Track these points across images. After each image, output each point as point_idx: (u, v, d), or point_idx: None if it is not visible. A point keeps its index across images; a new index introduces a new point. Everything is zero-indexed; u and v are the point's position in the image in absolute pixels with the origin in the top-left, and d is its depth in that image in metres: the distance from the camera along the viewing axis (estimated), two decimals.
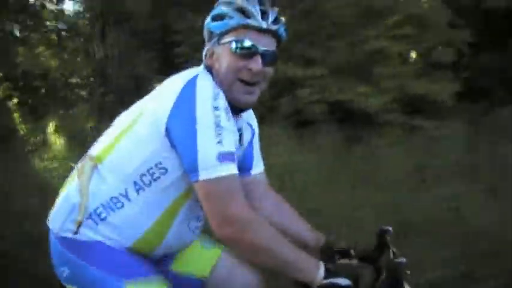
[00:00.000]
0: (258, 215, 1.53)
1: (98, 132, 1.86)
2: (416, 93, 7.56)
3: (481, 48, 9.18)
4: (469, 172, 5.37)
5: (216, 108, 1.47)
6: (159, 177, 1.56)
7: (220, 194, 1.45)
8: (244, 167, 1.78)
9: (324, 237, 1.79)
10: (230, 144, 1.47)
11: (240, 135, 1.72)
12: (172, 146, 1.51)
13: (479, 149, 6.16)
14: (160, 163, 1.54)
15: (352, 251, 1.67)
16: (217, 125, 1.45)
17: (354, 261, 1.65)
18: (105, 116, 8.10)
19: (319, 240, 1.78)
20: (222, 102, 1.49)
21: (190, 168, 1.47)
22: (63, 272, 1.61)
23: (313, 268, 1.48)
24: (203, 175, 1.44)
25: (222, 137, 1.45)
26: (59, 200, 1.67)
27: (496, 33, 9.41)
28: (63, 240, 1.60)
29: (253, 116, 1.85)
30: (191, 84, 1.50)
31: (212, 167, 1.44)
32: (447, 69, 8.32)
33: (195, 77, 1.52)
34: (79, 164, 1.67)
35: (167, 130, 1.50)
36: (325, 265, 1.49)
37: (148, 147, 1.54)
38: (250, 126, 1.82)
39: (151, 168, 1.55)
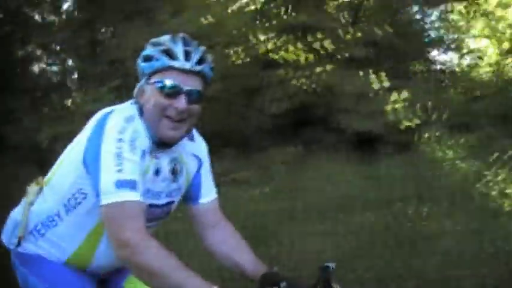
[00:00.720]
0: (152, 240, 1.54)
1: None
2: None
3: None
4: None
5: (119, 140, 1.57)
6: (81, 202, 1.68)
7: (115, 218, 1.53)
8: (191, 196, 1.89)
9: (265, 269, 1.79)
10: (131, 173, 1.55)
11: (174, 166, 1.79)
12: (87, 173, 1.62)
13: None
14: (82, 189, 1.66)
15: (282, 285, 1.65)
16: (119, 155, 1.55)
17: None
18: None
19: (259, 271, 1.78)
20: (128, 135, 1.59)
21: (95, 193, 1.57)
22: (18, 278, 1.84)
23: None
24: (103, 200, 1.54)
25: (123, 166, 1.54)
26: (9, 218, 1.87)
27: None
28: (12, 252, 1.83)
29: (202, 148, 1.91)
30: (104, 118, 1.63)
31: (110, 193, 1.53)
32: None
33: (110, 112, 1.65)
34: (29, 187, 1.85)
35: (84, 158, 1.62)
36: None
37: (72, 173, 1.68)
38: (197, 157, 1.88)
39: (75, 193, 1.68)
